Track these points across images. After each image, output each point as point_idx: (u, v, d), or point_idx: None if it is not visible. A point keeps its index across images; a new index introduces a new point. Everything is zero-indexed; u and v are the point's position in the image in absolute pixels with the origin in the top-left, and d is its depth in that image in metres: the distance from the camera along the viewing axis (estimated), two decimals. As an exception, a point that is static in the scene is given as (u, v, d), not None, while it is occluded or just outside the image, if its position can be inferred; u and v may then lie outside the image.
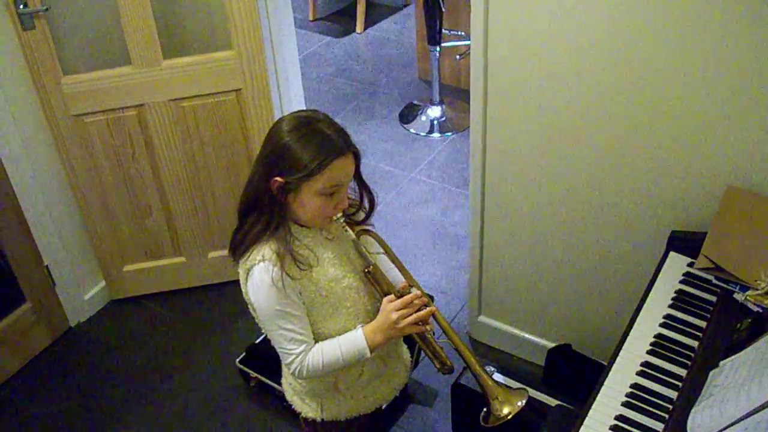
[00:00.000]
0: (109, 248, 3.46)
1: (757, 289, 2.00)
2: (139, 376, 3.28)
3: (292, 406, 2.24)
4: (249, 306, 1.94)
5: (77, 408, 3.15)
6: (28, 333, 3.32)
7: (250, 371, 3.10)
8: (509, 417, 1.87)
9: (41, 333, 3.39)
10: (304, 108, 3.60)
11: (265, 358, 3.06)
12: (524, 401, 1.90)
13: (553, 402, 2.44)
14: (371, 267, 1.96)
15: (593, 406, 1.83)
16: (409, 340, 2.22)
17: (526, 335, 3.16)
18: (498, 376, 2.49)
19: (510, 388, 1.97)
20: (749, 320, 1.92)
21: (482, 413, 1.93)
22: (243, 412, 3.09)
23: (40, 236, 3.23)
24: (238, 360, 3.14)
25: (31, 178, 3.10)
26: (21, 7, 2.77)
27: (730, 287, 2.06)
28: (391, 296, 1.93)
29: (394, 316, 1.89)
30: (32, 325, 3.33)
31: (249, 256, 1.87)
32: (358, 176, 1.95)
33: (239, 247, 1.91)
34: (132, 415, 3.11)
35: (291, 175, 1.79)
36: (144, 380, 3.26)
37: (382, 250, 2.03)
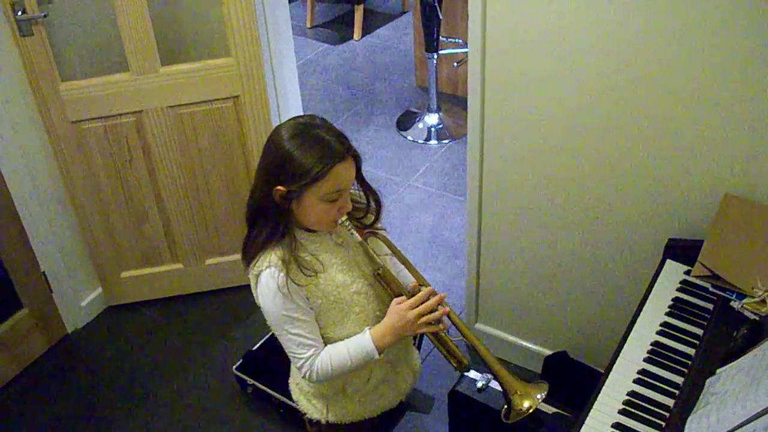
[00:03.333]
0: (106, 255, 3.45)
1: (754, 297, 2.00)
2: (135, 383, 3.27)
3: (298, 406, 2.24)
4: (261, 310, 1.97)
5: (74, 414, 3.14)
6: (25, 339, 3.32)
7: (248, 378, 3.10)
8: (531, 410, 1.87)
9: (38, 339, 3.38)
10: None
11: (263, 365, 3.06)
12: (545, 394, 1.90)
13: (550, 409, 2.44)
14: (381, 269, 1.96)
15: (590, 414, 1.83)
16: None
17: (523, 343, 3.16)
18: (495, 384, 2.49)
19: (529, 381, 1.97)
20: (746, 328, 1.92)
21: (503, 410, 1.92)
22: (240, 419, 3.09)
23: (37, 242, 3.23)
24: (235, 367, 3.13)
25: (29, 185, 3.10)
26: (19, 13, 2.78)
27: (726, 295, 2.06)
28: (402, 297, 1.93)
29: (410, 315, 1.89)
30: (29, 331, 3.33)
31: (256, 263, 1.90)
32: (360, 179, 1.96)
33: (248, 254, 1.93)
34: (128, 422, 3.10)
35: (293, 183, 1.80)
36: (141, 387, 3.25)
37: (390, 252, 2.03)
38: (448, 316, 1.97)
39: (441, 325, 1.96)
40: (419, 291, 1.94)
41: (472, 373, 2.50)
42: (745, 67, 2.09)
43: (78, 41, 3.12)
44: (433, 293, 1.94)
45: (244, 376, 3.11)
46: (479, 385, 2.46)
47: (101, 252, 3.44)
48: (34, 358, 3.38)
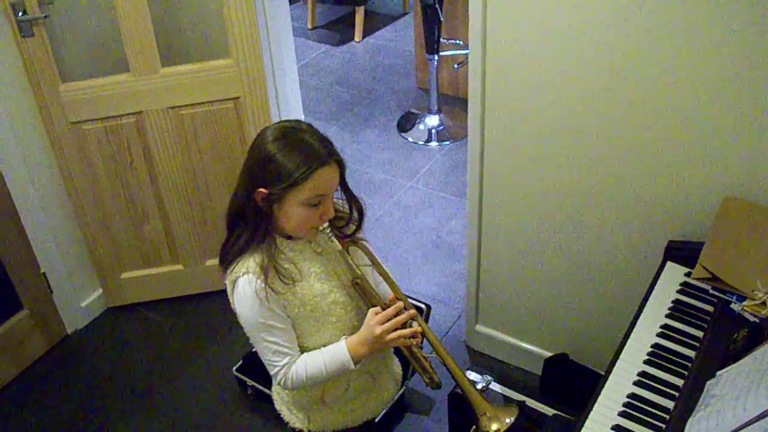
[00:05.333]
0: (106, 255, 3.45)
1: (754, 300, 2.00)
2: (135, 384, 3.27)
3: (280, 415, 2.24)
4: (237, 317, 1.95)
5: (74, 415, 3.14)
6: (25, 340, 3.32)
7: (247, 379, 3.10)
8: None
9: (38, 340, 3.38)
10: (301, 117, 3.61)
11: (262, 366, 3.05)
12: (513, 418, 1.89)
13: (550, 411, 2.44)
14: (359, 278, 1.95)
15: (590, 416, 1.83)
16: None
17: (523, 344, 3.15)
18: (495, 386, 2.49)
19: (500, 403, 1.97)
20: (746, 330, 1.92)
21: (472, 430, 1.93)
22: (240, 421, 3.09)
23: (37, 243, 3.23)
24: (235, 368, 3.14)
25: (29, 185, 3.10)
26: (20, 14, 2.78)
27: (727, 297, 2.05)
28: (377, 308, 1.92)
29: (378, 330, 1.89)
30: (29, 332, 3.32)
31: (234, 268, 1.88)
32: (344, 186, 1.94)
33: (226, 258, 1.91)
34: (128, 423, 3.10)
35: (275, 185, 1.78)
36: (141, 388, 3.25)
37: (370, 263, 2.02)
38: (422, 332, 1.96)
39: (413, 340, 1.95)
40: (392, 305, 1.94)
41: (472, 375, 2.50)
42: (745, 70, 2.09)
43: (78, 42, 3.12)
44: (402, 308, 1.93)
45: (244, 377, 3.11)
46: (479, 387, 2.46)
47: (101, 253, 3.44)
48: (33, 359, 3.38)
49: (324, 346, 1.96)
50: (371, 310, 1.92)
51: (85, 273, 3.51)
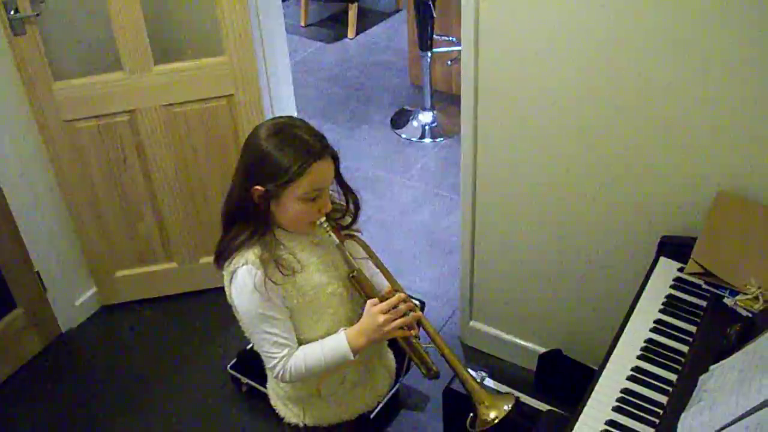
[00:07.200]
0: (100, 254, 3.45)
1: (747, 294, 2.01)
2: (130, 382, 3.27)
3: (276, 410, 2.24)
4: (233, 309, 1.95)
5: (68, 414, 3.14)
6: (19, 339, 3.31)
7: (242, 377, 3.10)
8: (496, 421, 1.88)
9: (32, 339, 3.37)
10: (294, 114, 3.61)
11: (257, 363, 3.05)
12: (511, 405, 1.90)
13: (544, 407, 2.44)
14: (356, 272, 1.96)
15: (584, 411, 1.83)
16: (396, 347, 2.23)
17: (517, 340, 3.16)
18: (489, 381, 2.49)
19: (497, 392, 1.98)
20: (739, 325, 1.92)
21: (469, 418, 1.93)
22: (234, 418, 3.09)
23: (31, 242, 3.22)
24: (229, 366, 3.14)
25: (23, 184, 3.09)
26: (12, 12, 2.77)
27: (720, 292, 2.06)
28: (375, 300, 1.93)
29: (380, 319, 1.89)
30: (23, 331, 3.32)
31: (233, 260, 1.88)
32: (339, 179, 1.95)
33: (224, 253, 1.91)
34: (123, 422, 3.10)
35: (271, 182, 1.79)
36: (135, 386, 3.25)
37: (367, 256, 2.03)
38: (420, 323, 1.97)
39: (413, 331, 1.96)
40: (393, 296, 1.94)
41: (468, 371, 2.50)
42: (738, 67, 2.10)
43: (71, 40, 3.11)
44: (405, 300, 1.94)
45: (238, 375, 3.11)
46: (474, 382, 2.47)
47: (95, 251, 3.43)
48: (28, 358, 3.37)
49: (321, 338, 1.96)
50: (369, 302, 1.93)
51: (79, 271, 3.50)
